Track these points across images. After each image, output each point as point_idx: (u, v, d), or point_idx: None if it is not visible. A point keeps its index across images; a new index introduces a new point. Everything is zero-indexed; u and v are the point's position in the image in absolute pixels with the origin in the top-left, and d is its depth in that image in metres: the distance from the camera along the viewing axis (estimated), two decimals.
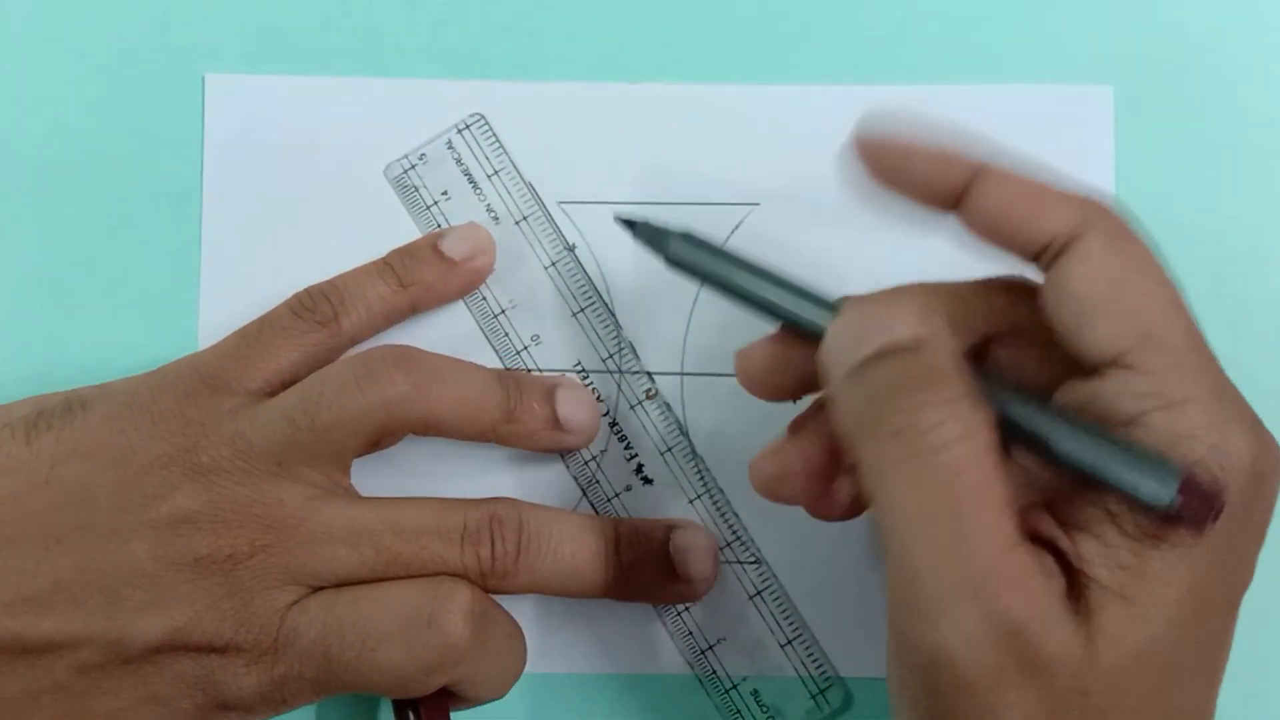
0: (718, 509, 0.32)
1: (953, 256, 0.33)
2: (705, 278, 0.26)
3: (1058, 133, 0.33)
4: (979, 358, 0.25)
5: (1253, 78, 0.34)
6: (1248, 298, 0.33)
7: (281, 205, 0.33)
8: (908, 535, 0.21)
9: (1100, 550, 0.22)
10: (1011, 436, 0.23)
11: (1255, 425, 0.23)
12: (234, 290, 0.33)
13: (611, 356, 0.33)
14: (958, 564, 0.21)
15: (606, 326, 0.33)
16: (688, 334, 0.33)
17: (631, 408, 0.33)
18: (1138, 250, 0.23)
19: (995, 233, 0.24)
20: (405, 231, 0.33)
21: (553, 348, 0.33)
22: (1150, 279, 0.23)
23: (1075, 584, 0.22)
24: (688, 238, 0.27)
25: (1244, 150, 0.33)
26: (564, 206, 0.33)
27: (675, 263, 0.27)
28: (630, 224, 0.28)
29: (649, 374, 0.33)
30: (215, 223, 0.33)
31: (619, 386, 0.33)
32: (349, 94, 0.34)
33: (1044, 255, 0.23)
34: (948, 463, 0.21)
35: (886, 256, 0.33)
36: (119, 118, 0.34)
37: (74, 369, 0.33)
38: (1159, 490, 0.21)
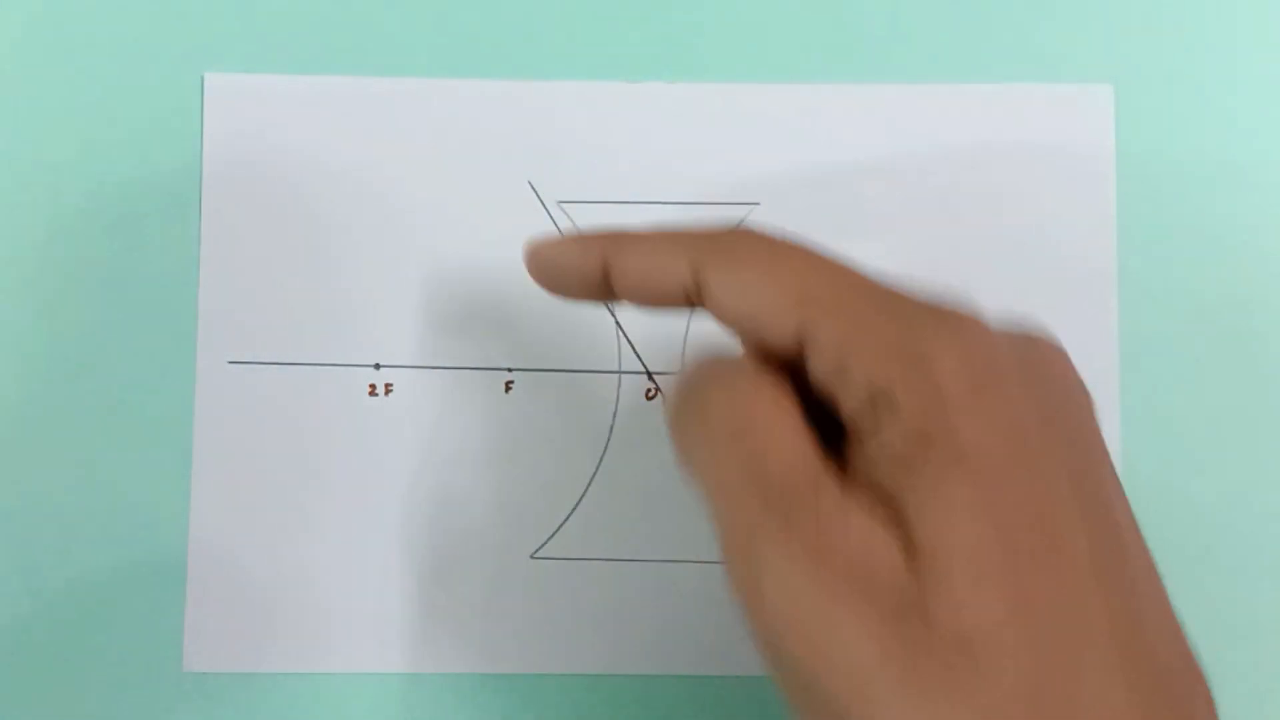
0: None
1: (951, 254, 0.33)
2: None
3: (1058, 132, 0.33)
4: None
5: (1252, 77, 0.34)
6: (1248, 297, 0.33)
7: (281, 205, 0.33)
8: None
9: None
10: None
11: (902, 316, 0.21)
12: (234, 290, 0.33)
13: (612, 356, 0.33)
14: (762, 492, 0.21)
15: (606, 326, 0.33)
16: (688, 334, 0.33)
17: (632, 408, 0.33)
18: (755, 256, 0.23)
19: (646, 299, 0.24)
20: (405, 231, 0.33)
21: (553, 347, 0.33)
22: (769, 271, 0.23)
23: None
24: None
25: (1244, 150, 0.33)
26: (564, 206, 0.33)
27: None
28: None
29: (649, 374, 0.33)
30: (215, 223, 0.33)
31: (619, 386, 0.33)
32: (349, 94, 0.34)
33: (693, 299, 0.23)
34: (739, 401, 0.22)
35: (886, 256, 0.33)
36: (119, 118, 0.34)
37: (73, 367, 0.33)
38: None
